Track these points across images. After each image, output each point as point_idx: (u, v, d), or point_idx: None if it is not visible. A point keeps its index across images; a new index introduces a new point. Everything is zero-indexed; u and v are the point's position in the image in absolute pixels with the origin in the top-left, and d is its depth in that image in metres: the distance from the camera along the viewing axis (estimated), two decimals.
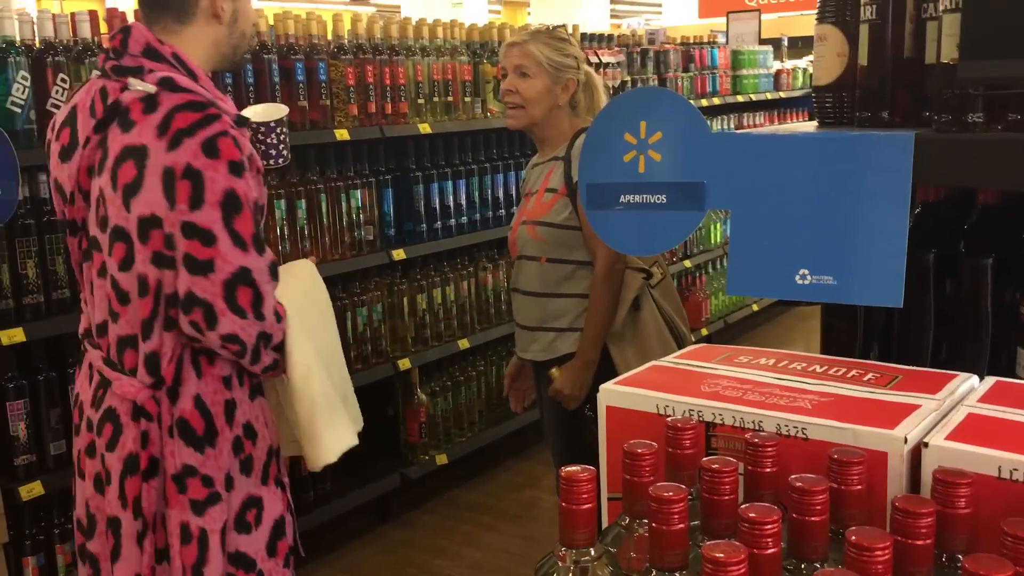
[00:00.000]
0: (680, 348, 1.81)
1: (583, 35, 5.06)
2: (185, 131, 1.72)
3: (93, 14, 2.99)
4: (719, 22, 8.43)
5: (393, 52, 3.81)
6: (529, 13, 14.89)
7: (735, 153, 1.11)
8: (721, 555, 0.72)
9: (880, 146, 1.04)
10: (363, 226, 3.78)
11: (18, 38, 2.84)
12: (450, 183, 4.13)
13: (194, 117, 1.74)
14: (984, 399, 1.01)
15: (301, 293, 1.97)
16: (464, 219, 4.21)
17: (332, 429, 1.96)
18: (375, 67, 3.72)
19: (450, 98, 4.09)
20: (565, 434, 2.81)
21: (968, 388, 1.05)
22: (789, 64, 7.35)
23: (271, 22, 3.54)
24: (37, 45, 2.86)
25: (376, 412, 4.11)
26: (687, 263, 5.73)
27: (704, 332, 5.81)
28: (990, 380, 1.07)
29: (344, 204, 3.70)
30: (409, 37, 3.96)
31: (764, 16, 7.52)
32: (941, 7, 1.06)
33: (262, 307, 1.80)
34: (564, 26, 4.61)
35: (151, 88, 1.76)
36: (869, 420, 0.93)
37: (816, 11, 1.27)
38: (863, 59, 1.20)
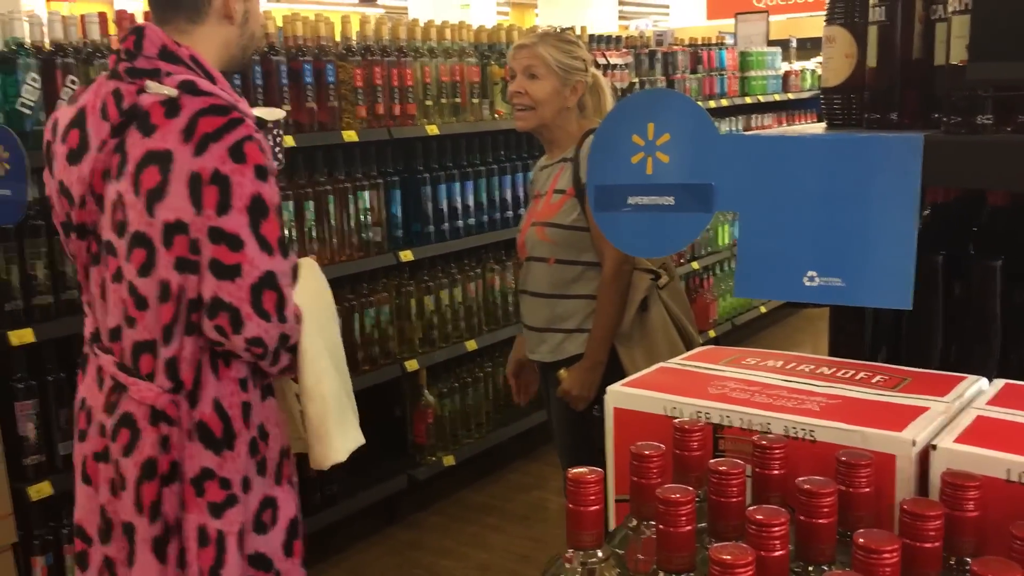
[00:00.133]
0: (688, 349, 1.81)
1: (591, 36, 5.06)
2: (211, 136, 1.71)
3: (103, 16, 3.00)
4: (727, 23, 8.41)
5: (401, 54, 3.82)
6: (537, 14, 14.88)
7: (743, 155, 1.10)
8: (729, 557, 0.72)
9: (889, 148, 1.03)
10: (371, 227, 3.78)
11: (28, 40, 2.85)
12: (458, 185, 4.13)
13: (219, 121, 1.73)
14: (993, 401, 1.00)
15: (310, 292, 1.98)
16: (472, 221, 4.21)
17: (342, 428, 1.97)
18: (383, 68, 3.73)
19: (458, 100, 4.09)
20: (573, 435, 2.81)
21: (977, 390, 1.05)
22: (797, 65, 7.33)
23: (280, 24, 3.55)
24: (47, 47, 2.88)
25: (383, 413, 4.12)
26: (695, 265, 5.73)
27: (712, 334, 5.80)
28: (999, 382, 1.07)
29: (352, 205, 3.70)
30: (417, 39, 3.96)
31: (772, 17, 7.51)
32: (950, 8, 1.06)
33: (285, 309, 1.81)
34: (572, 28, 4.61)
35: (172, 91, 1.75)
36: (877, 422, 0.93)
37: (825, 12, 1.27)
38: (872, 61, 1.20)
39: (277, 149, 2.26)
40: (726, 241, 6.13)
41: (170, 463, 1.80)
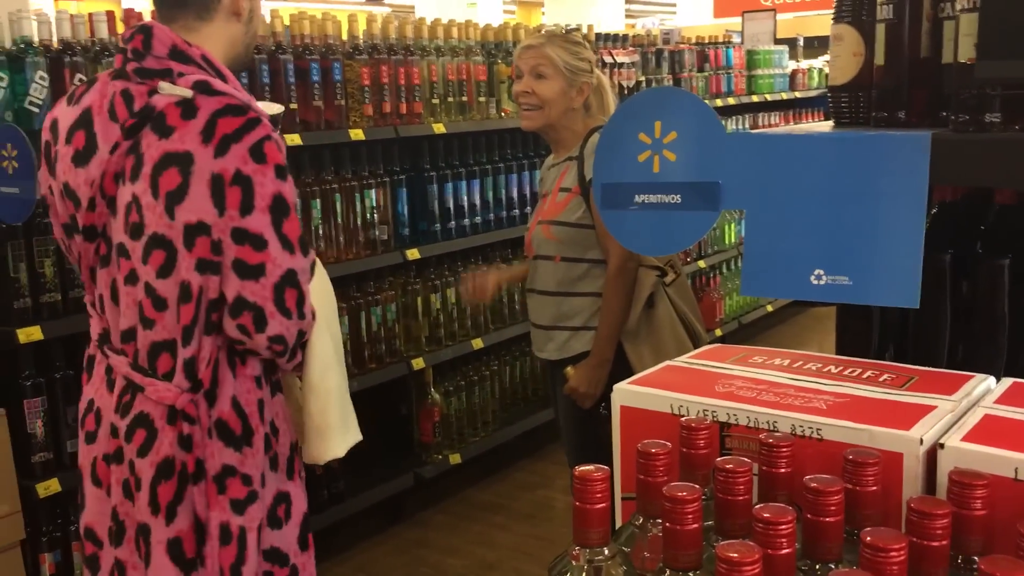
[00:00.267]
0: (696, 346, 1.81)
1: (597, 35, 5.06)
2: (231, 137, 1.71)
3: (111, 14, 3.01)
4: (734, 22, 8.39)
5: (408, 52, 3.82)
6: (543, 13, 14.88)
7: (750, 153, 1.10)
8: (735, 555, 0.72)
9: (897, 146, 1.03)
10: (377, 226, 3.79)
11: (36, 38, 2.86)
12: (464, 183, 4.13)
13: (238, 122, 1.72)
14: (1001, 400, 1.00)
15: (316, 289, 1.98)
16: (478, 219, 4.21)
17: (343, 423, 1.97)
18: (390, 67, 3.73)
19: (464, 98, 4.10)
20: (579, 433, 2.81)
21: (984, 389, 1.05)
22: (805, 64, 7.32)
23: (287, 22, 3.56)
24: (55, 45, 2.89)
25: (390, 412, 4.12)
26: (701, 263, 5.72)
27: (718, 332, 5.79)
28: (1007, 381, 1.07)
29: (359, 204, 3.71)
30: (424, 37, 3.97)
31: (779, 16, 7.49)
32: (958, 6, 1.06)
33: (304, 307, 1.81)
34: (579, 27, 4.61)
35: (186, 92, 1.73)
36: (885, 421, 0.93)
37: (832, 11, 1.27)
38: (879, 59, 1.20)
39: None
40: (732, 240, 6.12)
41: (196, 462, 1.79)
